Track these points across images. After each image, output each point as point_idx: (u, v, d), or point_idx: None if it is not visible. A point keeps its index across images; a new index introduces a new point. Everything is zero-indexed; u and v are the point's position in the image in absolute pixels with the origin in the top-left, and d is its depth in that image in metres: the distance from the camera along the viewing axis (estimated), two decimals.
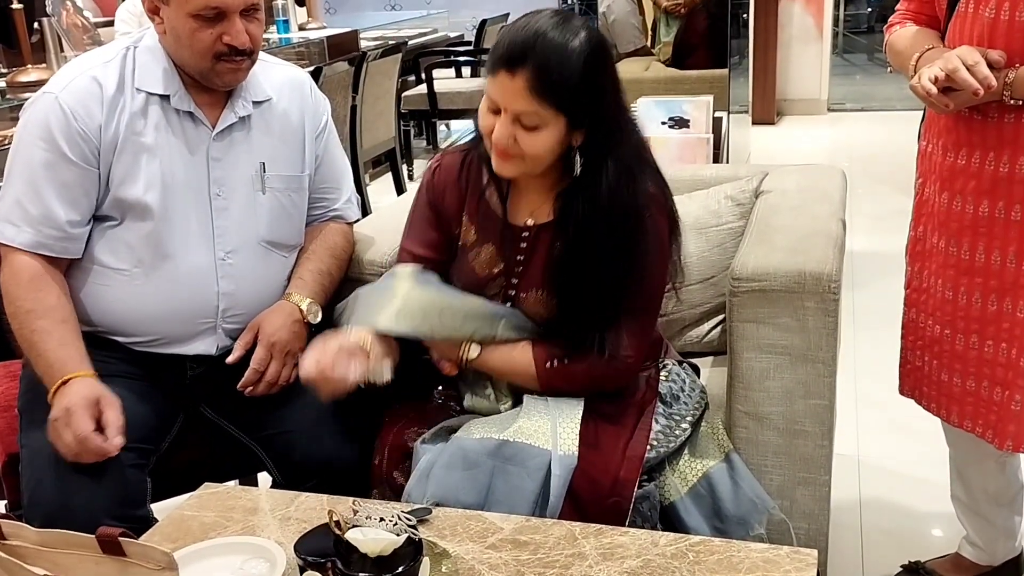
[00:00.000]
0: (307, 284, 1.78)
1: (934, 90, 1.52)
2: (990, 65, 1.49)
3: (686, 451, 1.64)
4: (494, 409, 1.65)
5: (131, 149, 1.64)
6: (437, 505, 1.45)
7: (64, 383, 1.54)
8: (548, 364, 1.59)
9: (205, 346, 1.72)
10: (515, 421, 1.56)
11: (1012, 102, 1.53)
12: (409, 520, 1.24)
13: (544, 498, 1.48)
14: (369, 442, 1.68)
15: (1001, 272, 1.62)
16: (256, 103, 1.74)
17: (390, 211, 2.03)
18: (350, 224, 1.93)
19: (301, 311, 1.74)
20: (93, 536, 1.14)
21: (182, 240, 1.67)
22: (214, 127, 1.70)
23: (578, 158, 1.52)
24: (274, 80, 1.78)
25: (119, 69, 1.66)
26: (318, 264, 1.82)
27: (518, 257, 1.64)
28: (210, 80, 1.66)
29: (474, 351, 1.61)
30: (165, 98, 1.66)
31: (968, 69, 1.48)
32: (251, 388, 1.69)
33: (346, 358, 1.50)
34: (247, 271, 1.73)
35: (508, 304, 1.65)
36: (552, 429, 1.54)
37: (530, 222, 1.63)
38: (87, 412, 1.50)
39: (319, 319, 1.75)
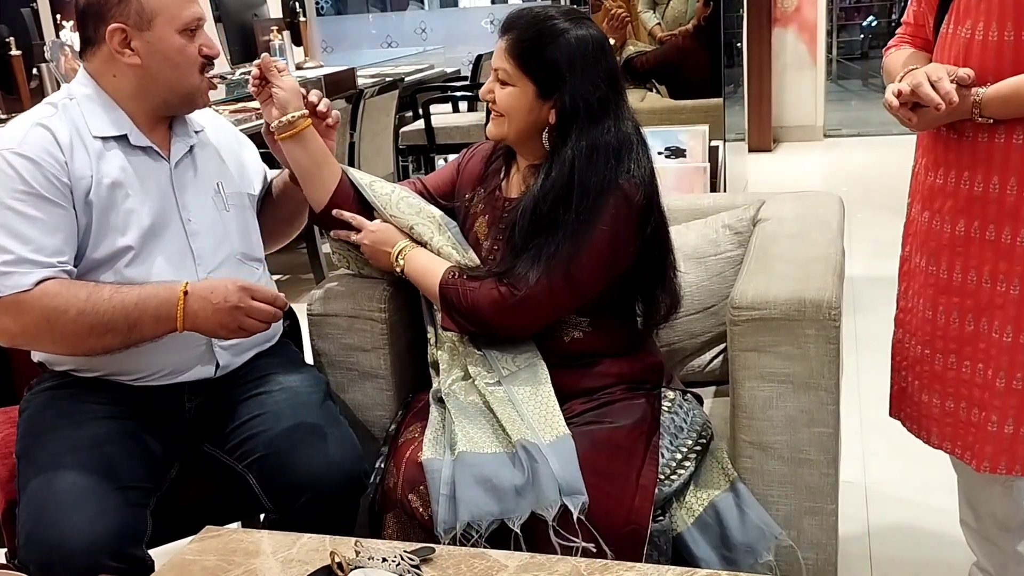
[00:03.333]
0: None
1: (896, 103, 1.55)
2: (959, 83, 1.51)
3: (691, 482, 1.64)
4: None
5: (104, 195, 1.64)
6: (469, 527, 1.50)
7: (185, 294, 1.58)
8: (452, 274, 1.72)
9: (204, 370, 1.73)
10: (496, 424, 1.63)
11: (982, 120, 1.54)
12: (412, 560, 1.23)
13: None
14: (362, 459, 1.70)
15: (977, 292, 1.62)
16: (196, 132, 1.80)
17: None
18: None
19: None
20: None
21: (163, 271, 1.68)
22: (170, 159, 1.73)
23: (546, 135, 1.70)
24: (195, 114, 1.83)
25: (66, 120, 1.65)
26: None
27: (500, 225, 1.78)
28: (194, 99, 1.71)
29: (399, 263, 1.78)
30: (123, 138, 1.68)
31: (932, 85, 1.50)
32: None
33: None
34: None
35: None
36: (528, 424, 1.60)
37: (515, 196, 1.79)
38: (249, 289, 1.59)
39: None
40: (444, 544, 1.49)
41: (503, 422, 1.62)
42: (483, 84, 1.73)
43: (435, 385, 1.78)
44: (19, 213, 1.57)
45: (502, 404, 1.65)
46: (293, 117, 1.73)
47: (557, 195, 1.65)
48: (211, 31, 1.75)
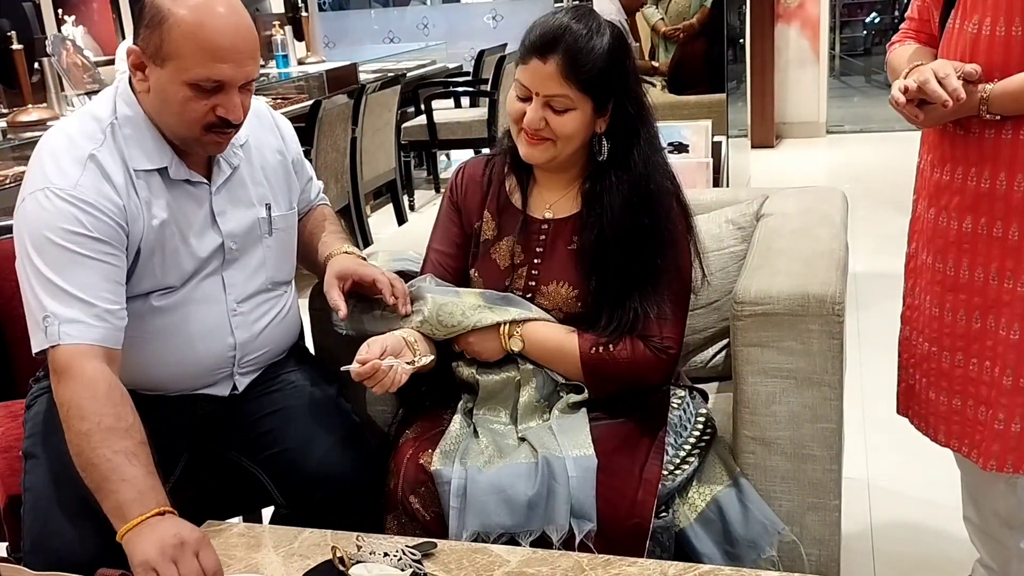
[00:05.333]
0: (340, 236, 1.84)
1: (902, 100, 1.54)
2: (966, 79, 1.50)
3: (694, 478, 1.64)
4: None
5: (153, 237, 1.58)
6: (477, 537, 1.48)
7: (160, 514, 1.37)
8: (592, 350, 1.63)
9: (219, 389, 1.72)
10: (521, 443, 1.60)
11: (989, 116, 1.53)
12: (413, 555, 1.22)
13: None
14: (375, 454, 1.69)
15: (984, 289, 1.61)
16: (240, 146, 1.70)
17: (391, 241, 2.03)
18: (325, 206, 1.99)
19: (359, 254, 1.79)
20: None
21: (196, 303, 1.65)
22: (210, 183, 1.66)
23: (604, 143, 1.63)
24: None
25: (115, 151, 1.56)
26: (332, 227, 1.88)
27: (537, 249, 1.71)
28: (191, 148, 1.60)
29: (516, 344, 1.66)
30: (163, 171, 1.60)
31: (939, 81, 1.49)
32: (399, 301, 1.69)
33: (393, 351, 1.58)
34: (258, 315, 1.74)
35: (529, 296, 1.71)
36: (558, 441, 1.57)
37: (548, 215, 1.72)
38: (207, 550, 1.35)
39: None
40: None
41: (531, 440, 1.61)
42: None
43: (463, 403, 1.71)
44: (80, 256, 1.49)
45: (538, 432, 1.63)
46: (424, 362, 1.62)
47: (638, 201, 1.62)
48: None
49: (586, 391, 1.67)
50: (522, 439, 1.64)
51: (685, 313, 1.69)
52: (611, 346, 1.62)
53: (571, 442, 1.58)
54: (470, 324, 1.66)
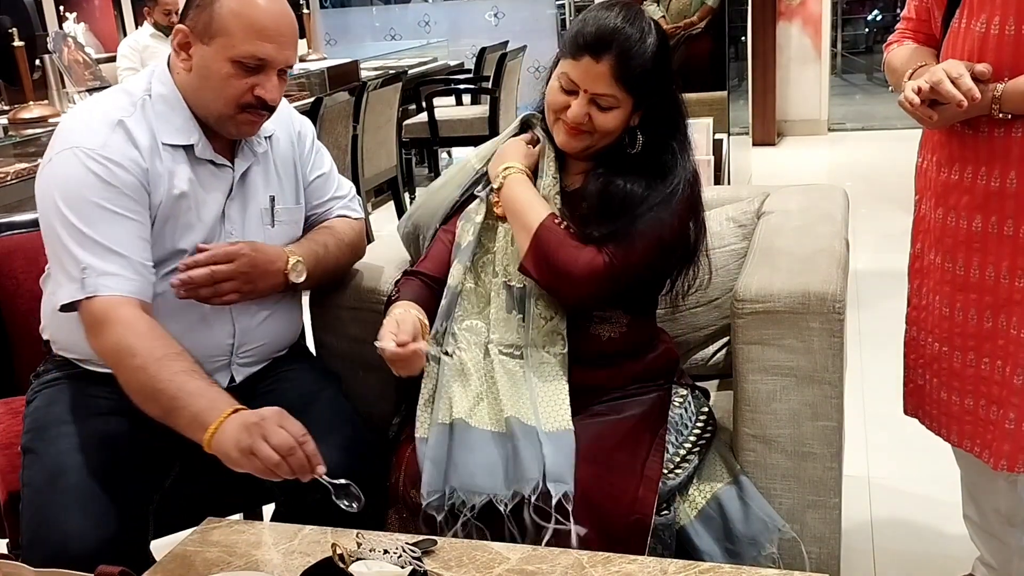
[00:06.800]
0: (302, 246, 1.78)
1: (917, 100, 1.53)
2: (977, 79, 1.50)
3: (695, 476, 1.64)
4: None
5: (170, 205, 1.61)
6: (453, 499, 1.51)
7: (235, 411, 1.43)
8: (556, 220, 1.65)
9: (217, 379, 1.71)
10: (491, 398, 1.63)
11: (1001, 116, 1.53)
12: (413, 552, 1.22)
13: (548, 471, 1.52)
14: (375, 450, 1.69)
15: (995, 288, 1.61)
16: (267, 138, 1.75)
17: (393, 239, 2.03)
18: (355, 220, 1.93)
19: (287, 261, 1.72)
20: (91, 574, 1.12)
21: None
22: (233, 169, 1.69)
23: (639, 136, 1.68)
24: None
25: (143, 121, 1.61)
26: (316, 236, 1.83)
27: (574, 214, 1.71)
28: (224, 127, 1.64)
29: (501, 180, 1.71)
30: (189, 148, 1.64)
31: (952, 81, 1.48)
32: (186, 273, 1.59)
33: (418, 333, 1.57)
34: (259, 306, 1.74)
35: None
36: (533, 409, 1.59)
37: (567, 187, 1.75)
38: (288, 420, 1.40)
39: (301, 279, 1.73)
40: (438, 522, 1.51)
41: (501, 396, 1.61)
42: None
43: (437, 325, 1.70)
44: (112, 212, 1.54)
45: (511, 378, 1.64)
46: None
47: (650, 176, 1.66)
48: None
49: (560, 344, 1.67)
50: (489, 375, 1.65)
51: (640, 259, 1.64)
52: (571, 229, 1.64)
53: (548, 415, 1.59)
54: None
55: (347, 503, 1.37)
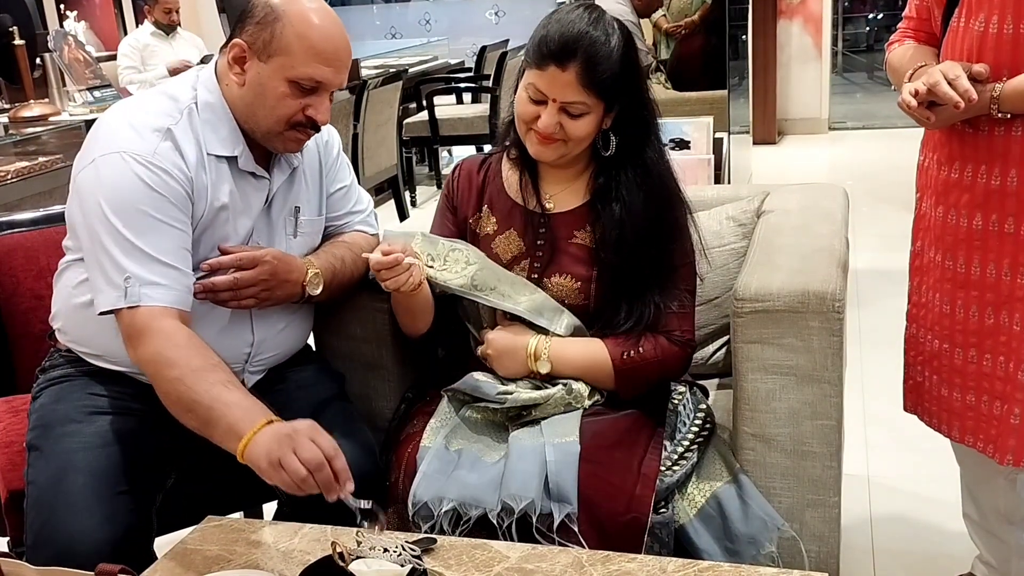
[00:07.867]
0: (320, 258, 1.78)
1: (914, 103, 1.54)
2: (975, 79, 1.50)
3: (694, 474, 1.64)
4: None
5: (210, 216, 1.62)
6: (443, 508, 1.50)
7: (269, 423, 1.42)
8: (624, 355, 1.64)
9: None
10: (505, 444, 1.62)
11: (1000, 115, 1.53)
12: (413, 551, 1.22)
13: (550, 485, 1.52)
14: (376, 450, 1.69)
15: (997, 285, 1.61)
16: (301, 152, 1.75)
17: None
18: (373, 235, 1.94)
19: (306, 274, 1.73)
20: (92, 573, 1.13)
21: None
22: (271, 180, 1.70)
23: (612, 138, 1.66)
24: None
25: (189, 131, 1.60)
26: (334, 249, 1.83)
27: (538, 242, 1.72)
28: (271, 143, 1.65)
29: (544, 367, 1.66)
30: (233, 160, 1.64)
31: (949, 83, 1.49)
32: (209, 279, 1.61)
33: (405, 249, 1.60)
34: (278, 317, 1.74)
35: None
36: (543, 432, 1.60)
37: (550, 207, 1.73)
38: (320, 435, 1.39)
39: (317, 292, 1.74)
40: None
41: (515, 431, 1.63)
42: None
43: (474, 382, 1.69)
44: (159, 221, 1.54)
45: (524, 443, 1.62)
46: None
47: (648, 193, 1.66)
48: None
49: (597, 395, 1.68)
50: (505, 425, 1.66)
51: (692, 303, 1.71)
52: (640, 348, 1.64)
53: (556, 432, 1.59)
54: (502, 301, 1.67)
55: (368, 523, 1.34)
